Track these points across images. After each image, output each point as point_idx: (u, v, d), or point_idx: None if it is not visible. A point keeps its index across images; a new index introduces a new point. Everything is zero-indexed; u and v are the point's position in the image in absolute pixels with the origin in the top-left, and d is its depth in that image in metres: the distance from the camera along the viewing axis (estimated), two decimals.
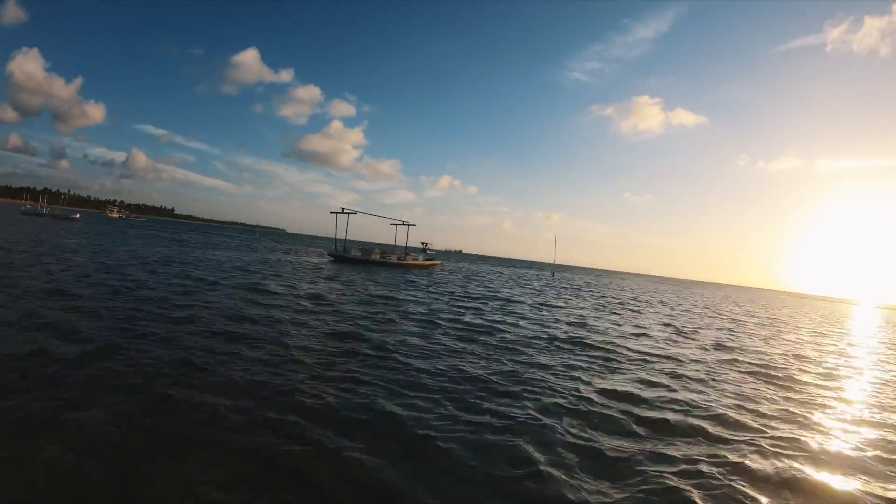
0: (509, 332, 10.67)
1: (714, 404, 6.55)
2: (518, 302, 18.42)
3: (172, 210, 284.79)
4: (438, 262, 43.51)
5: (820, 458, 4.88)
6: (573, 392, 6.32)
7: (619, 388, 6.74)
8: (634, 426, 5.28)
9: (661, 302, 30.27)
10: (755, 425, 5.78)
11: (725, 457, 4.65)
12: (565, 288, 33.74)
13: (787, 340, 15.98)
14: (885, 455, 5.17)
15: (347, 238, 32.99)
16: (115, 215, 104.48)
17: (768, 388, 7.98)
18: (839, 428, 6.09)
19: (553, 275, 61.29)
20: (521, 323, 12.66)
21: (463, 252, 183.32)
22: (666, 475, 4.07)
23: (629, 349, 10.21)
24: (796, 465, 4.62)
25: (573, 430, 4.94)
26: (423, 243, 53.16)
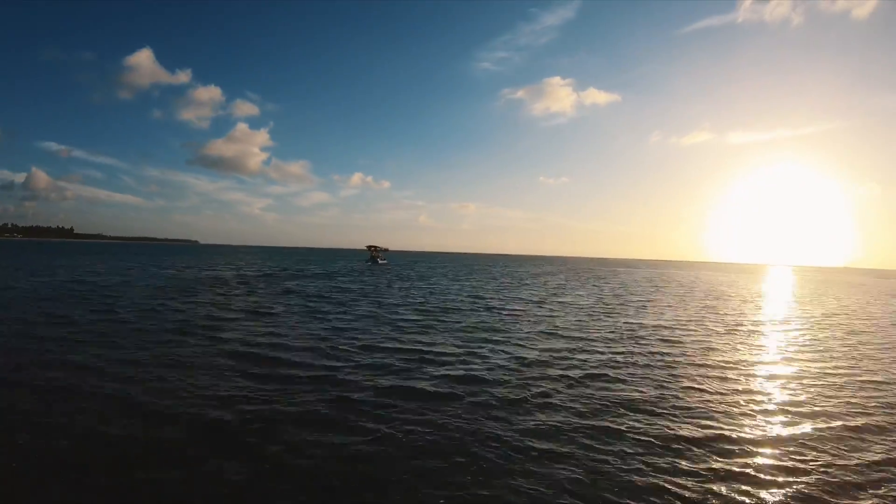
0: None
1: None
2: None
3: (72, 230, 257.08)
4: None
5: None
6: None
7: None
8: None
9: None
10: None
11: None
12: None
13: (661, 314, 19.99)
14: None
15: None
16: None
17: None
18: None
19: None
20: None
21: (389, 250, 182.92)
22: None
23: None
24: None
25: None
26: (371, 248, 61.53)
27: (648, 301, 24.28)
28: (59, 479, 4.43)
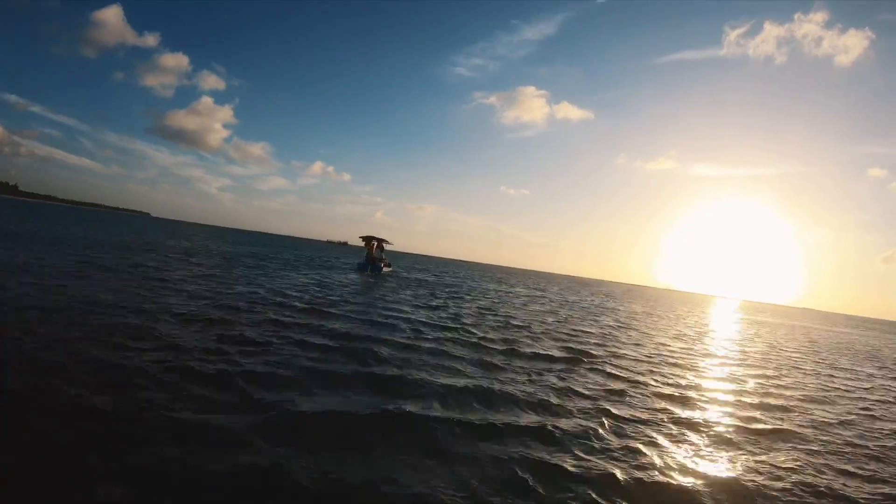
0: None
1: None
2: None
3: (16, 187, 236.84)
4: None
5: None
6: None
7: None
8: None
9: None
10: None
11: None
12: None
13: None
14: None
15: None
16: None
17: None
18: None
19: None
20: None
21: (348, 244, 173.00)
22: None
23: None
24: None
25: None
26: (368, 241, 27.98)
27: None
28: None
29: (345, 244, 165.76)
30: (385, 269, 28.50)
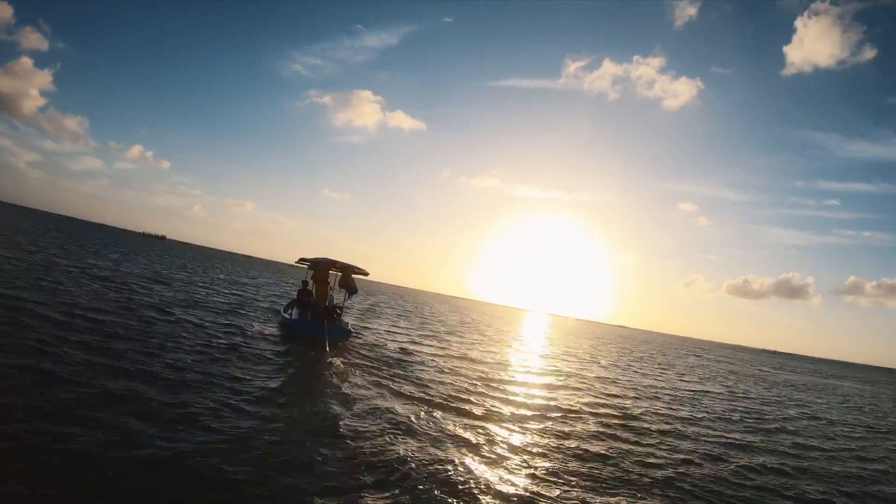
0: None
1: None
2: None
3: None
4: None
5: None
6: None
7: None
8: None
9: None
10: None
11: None
12: None
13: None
14: None
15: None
16: None
17: None
18: None
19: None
20: None
21: (167, 238, 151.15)
22: None
23: None
24: None
25: None
26: (331, 268, 14.42)
27: None
28: None
29: (163, 238, 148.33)
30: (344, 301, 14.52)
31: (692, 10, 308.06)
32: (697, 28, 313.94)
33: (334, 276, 14.25)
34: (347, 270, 13.53)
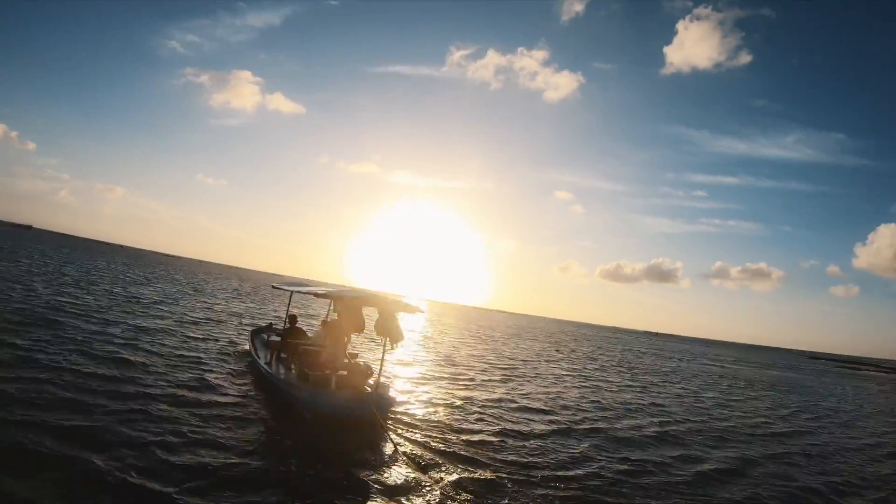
0: None
1: None
2: None
3: None
4: None
5: None
6: None
7: None
8: None
9: None
10: None
11: None
12: None
13: None
14: None
15: None
16: None
17: None
18: None
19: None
20: None
21: (34, 228, 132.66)
22: None
23: None
24: None
25: None
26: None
27: None
28: None
29: (29, 228, 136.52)
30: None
31: (579, 7, 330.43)
32: (583, 24, 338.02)
33: (362, 315, 9.01)
34: (390, 308, 8.39)
